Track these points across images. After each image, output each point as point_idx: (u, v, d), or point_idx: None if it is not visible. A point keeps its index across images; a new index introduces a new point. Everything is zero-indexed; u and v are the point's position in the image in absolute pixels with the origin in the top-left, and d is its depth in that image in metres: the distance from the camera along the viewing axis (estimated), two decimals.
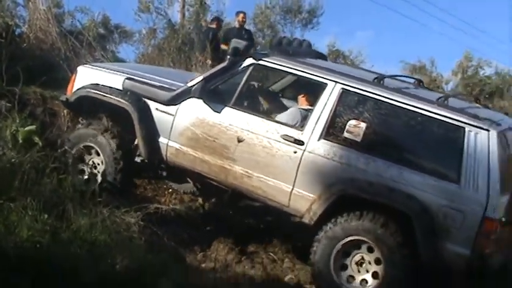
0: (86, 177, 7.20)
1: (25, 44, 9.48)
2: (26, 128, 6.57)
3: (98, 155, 7.13)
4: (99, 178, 7.09)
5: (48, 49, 9.68)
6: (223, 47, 13.22)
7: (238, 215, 8.29)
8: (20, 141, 6.35)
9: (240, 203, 8.20)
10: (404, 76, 6.65)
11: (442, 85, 22.54)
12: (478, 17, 43.48)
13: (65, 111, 8.16)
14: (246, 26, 14.09)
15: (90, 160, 7.20)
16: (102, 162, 7.11)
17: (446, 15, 46.81)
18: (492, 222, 5.77)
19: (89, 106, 7.27)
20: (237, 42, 7.10)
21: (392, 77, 6.91)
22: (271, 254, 7.31)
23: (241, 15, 13.73)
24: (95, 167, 7.15)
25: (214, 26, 14.07)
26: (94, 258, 4.95)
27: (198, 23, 15.42)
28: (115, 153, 7.00)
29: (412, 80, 7.37)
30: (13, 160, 5.69)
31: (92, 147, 7.14)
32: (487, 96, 21.58)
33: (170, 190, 8.23)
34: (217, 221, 7.95)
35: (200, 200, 8.38)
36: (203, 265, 6.75)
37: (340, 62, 17.22)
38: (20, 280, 4.10)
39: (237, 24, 13.69)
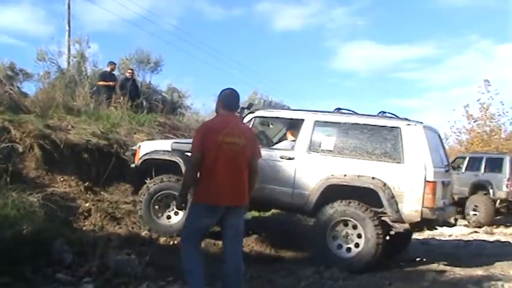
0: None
1: None
2: None
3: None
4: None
5: None
6: (99, 83, 12.69)
7: None
8: None
9: None
10: (344, 109, 6.67)
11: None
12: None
13: None
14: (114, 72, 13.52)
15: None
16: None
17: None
18: (431, 183, 5.74)
19: (150, 166, 6.90)
20: (243, 107, 7.09)
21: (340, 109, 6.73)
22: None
23: (111, 65, 13.23)
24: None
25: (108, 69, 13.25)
26: (7, 226, 4.64)
27: (79, 69, 14.66)
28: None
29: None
30: None
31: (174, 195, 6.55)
32: None
33: (61, 179, 7.70)
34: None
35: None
36: (84, 228, 6.49)
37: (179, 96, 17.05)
38: None
39: (108, 70, 13.17)
